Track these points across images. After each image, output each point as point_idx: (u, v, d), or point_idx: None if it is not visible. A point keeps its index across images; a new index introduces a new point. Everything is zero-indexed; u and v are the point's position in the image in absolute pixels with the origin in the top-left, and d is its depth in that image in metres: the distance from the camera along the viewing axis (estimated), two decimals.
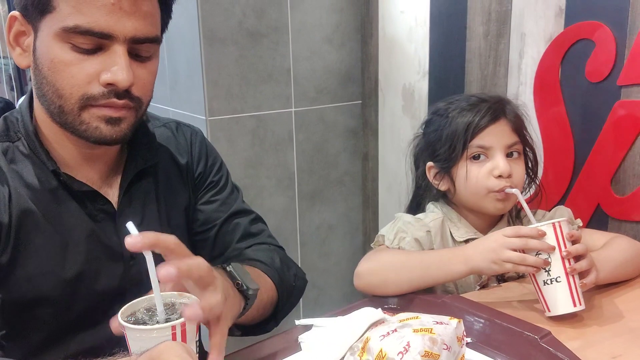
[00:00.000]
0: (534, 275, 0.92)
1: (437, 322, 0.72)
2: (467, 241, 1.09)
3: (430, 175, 1.14)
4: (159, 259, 0.68)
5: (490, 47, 1.61)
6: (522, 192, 1.10)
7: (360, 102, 2.11)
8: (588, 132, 1.39)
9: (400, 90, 1.95)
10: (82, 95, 0.80)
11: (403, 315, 0.75)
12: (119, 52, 0.79)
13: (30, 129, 0.87)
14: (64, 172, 0.87)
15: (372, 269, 1.02)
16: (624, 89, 1.31)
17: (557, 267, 0.90)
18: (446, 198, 1.15)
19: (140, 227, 0.87)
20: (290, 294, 1.02)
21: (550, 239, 0.90)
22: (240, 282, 0.82)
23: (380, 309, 0.80)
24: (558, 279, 0.90)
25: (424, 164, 1.15)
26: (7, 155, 0.86)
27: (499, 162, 1.05)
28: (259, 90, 1.89)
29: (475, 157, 1.07)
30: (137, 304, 0.68)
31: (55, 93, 0.81)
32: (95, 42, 0.78)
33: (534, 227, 0.91)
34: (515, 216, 1.15)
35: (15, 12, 0.83)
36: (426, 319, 0.73)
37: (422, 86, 1.85)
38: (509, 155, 1.07)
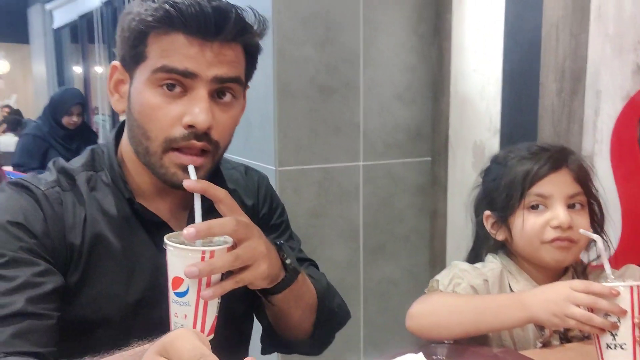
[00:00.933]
0: (597, 334, 0.85)
1: None
2: None
3: (487, 224, 1.10)
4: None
5: (564, 104, 1.57)
6: (586, 249, 1.03)
7: (430, 158, 2.10)
8: None
9: (470, 147, 1.92)
10: (165, 137, 0.85)
11: None
12: (200, 94, 0.84)
13: (114, 161, 0.94)
14: (138, 202, 0.93)
15: (424, 310, 0.98)
16: None
17: (625, 333, 0.82)
18: (505, 249, 1.11)
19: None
20: (330, 317, 1.02)
21: (624, 302, 0.83)
22: (284, 255, 0.87)
23: (422, 353, 0.77)
24: (624, 346, 0.82)
25: (482, 212, 1.11)
26: (89, 183, 0.92)
27: (559, 212, 1.00)
28: (328, 143, 1.92)
29: (534, 207, 1.02)
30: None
31: (143, 135, 0.87)
32: (179, 80, 0.83)
33: (608, 286, 0.85)
34: (580, 272, 1.08)
35: (115, 62, 0.91)
36: None
37: (493, 143, 1.82)
38: (571, 206, 1.02)
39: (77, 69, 6.66)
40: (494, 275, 1.05)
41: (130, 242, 0.91)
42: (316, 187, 1.92)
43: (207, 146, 0.87)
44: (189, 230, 0.74)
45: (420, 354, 0.76)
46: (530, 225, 1.02)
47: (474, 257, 1.16)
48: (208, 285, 0.74)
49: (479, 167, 1.88)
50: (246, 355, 1.10)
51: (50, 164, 0.94)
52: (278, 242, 0.89)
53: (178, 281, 0.73)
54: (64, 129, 3.58)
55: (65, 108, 3.56)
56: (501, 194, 1.05)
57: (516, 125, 1.74)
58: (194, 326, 0.74)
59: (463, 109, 1.95)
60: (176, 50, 0.84)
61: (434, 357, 0.85)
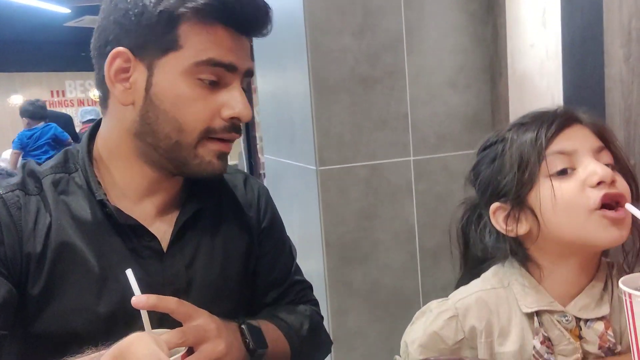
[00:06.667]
0: (639, 352, 0.66)
1: None
2: (537, 313, 0.83)
3: (498, 221, 0.87)
4: None
5: (634, 72, 1.34)
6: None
7: None
8: None
9: None
10: (205, 129, 0.82)
11: None
12: (237, 87, 0.84)
13: (86, 161, 0.88)
14: (114, 205, 0.86)
15: None
16: None
17: None
18: (520, 255, 0.88)
19: (188, 271, 0.85)
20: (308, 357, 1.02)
21: None
22: (248, 341, 0.85)
23: None
24: None
25: (484, 217, 0.90)
26: (58, 186, 0.87)
27: (595, 166, 0.78)
28: (373, 138, 1.79)
29: (559, 173, 0.80)
30: None
31: (176, 128, 0.82)
32: (220, 74, 0.82)
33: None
34: (615, 273, 0.84)
35: (121, 48, 0.82)
36: None
37: None
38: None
39: None
40: (466, 304, 0.86)
41: (102, 249, 0.84)
42: (363, 185, 1.79)
43: (239, 136, 0.86)
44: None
45: None
46: (563, 192, 0.78)
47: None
48: None
49: None
50: None
51: (19, 166, 0.91)
52: (241, 326, 0.88)
53: None
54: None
55: None
56: (510, 171, 0.83)
57: (581, 101, 1.51)
58: None
59: (522, 89, 1.74)
60: (219, 43, 0.81)
61: None
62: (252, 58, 0.90)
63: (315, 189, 1.77)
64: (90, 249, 0.84)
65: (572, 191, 0.79)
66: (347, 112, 1.76)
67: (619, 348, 0.81)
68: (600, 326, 0.82)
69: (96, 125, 0.92)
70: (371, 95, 1.78)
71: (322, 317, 1.07)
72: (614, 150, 0.83)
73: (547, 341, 0.82)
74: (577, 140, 0.81)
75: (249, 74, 0.86)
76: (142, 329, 0.81)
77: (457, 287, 0.98)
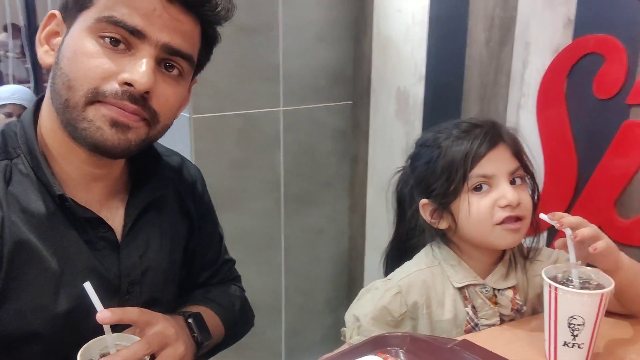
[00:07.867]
0: (555, 331, 0.86)
1: None
2: (466, 287, 1.01)
3: (425, 213, 1.03)
4: None
5: (492, 55, 1.55)
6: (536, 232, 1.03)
7: (351, 102, 2.03)
8: (593, 150, 1.33)
9: (394, 93, 1.87)
10: (92, 88, 0.74)
11: None
12: (145, 54, 0.75)
13: (33, 145, 0.79)
14: (67, 196, 0.79)
15: None
16: (633, 108, 1.25)
17: (586, 335, 0.84)
18: (444, 238, 1.05)
19: (142, 260, 0.87)
20: (234, 337, 1.06)
21: (593, 307, 0.83)
22: (196, 335, 0.88)
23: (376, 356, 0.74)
24: (581, 345, 0.85)
25: (416, 201, 1.04)
26: (5, 175, 0.78)
27: (505, 191, 0.95)
28: (247, 87, 1.80)
29: (477, 188, 0.97)
30: (92, 348, 0.72)
31: (65, 84, 0.74)
32: (126, 38, 0.74)
33: None
34: (526, 255, 1.05)
35: (55, 11, 0.81)
36: None
37: (418, 91, 1.78)
38: (512, 182, 0.98)
39: None
40: (408, 283, 1.00)
41: (58, 244, 0.79)
42: (236, 135, 1.81)
43: (141, 112, 0.76)
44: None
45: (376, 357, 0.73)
46: (477, 208, 0.96)
47: (404, 252, 1.10)
48: None
49: (402, 115, 1.86)
50: None
51: None
52: (188, 320, 0.89)
53: None
54: None
55: None
56: (439, 178, 0.98)
57: (442, 73, 1.70)
58: None
59: (386, 51, 1.88)
60: (128, 3, 0.74)
61: (389, 347, 0.82)
62: (201, 45, 0.83)
63: (188, 136, 1.75)
64: (46, 244, 0.77)
65: (483, 208, 0.96)
66: (222, 60, 1.73)
67: (524, 309, 1.03)
68: (510, 293, 1.02)
69: (39, 102, 0.83)
70: (247, 44, 1.77)
71: (244, 291, 1.12)
72: (524, 163, 1.02)
73: (473, 308, 1.01)
74: (498, 163, 0.97)
75: (173, 51, 0.76)
76: (100, 325, 0.80)
77: (388, 251, 1.14)
